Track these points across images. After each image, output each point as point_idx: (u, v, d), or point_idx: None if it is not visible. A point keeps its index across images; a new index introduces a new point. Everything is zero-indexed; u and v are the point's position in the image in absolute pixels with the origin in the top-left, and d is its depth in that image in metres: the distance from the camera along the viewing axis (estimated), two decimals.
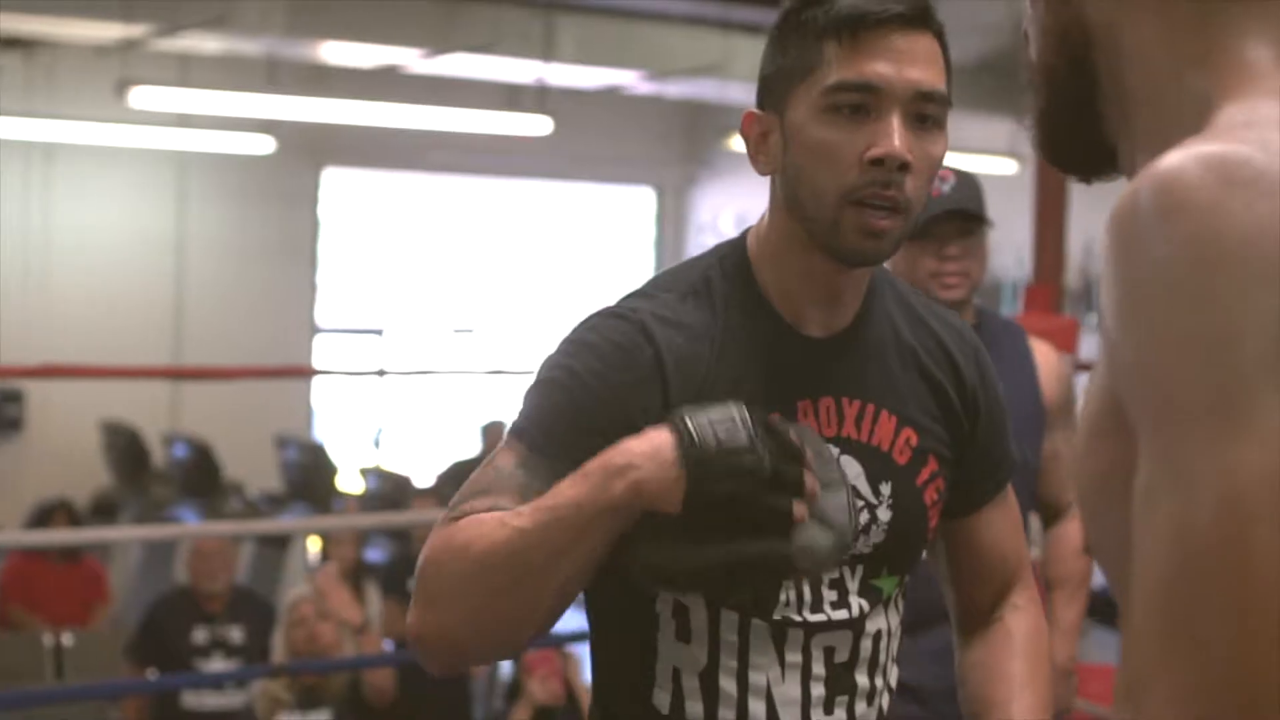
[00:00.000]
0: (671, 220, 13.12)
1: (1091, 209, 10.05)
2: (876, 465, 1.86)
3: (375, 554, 8.60)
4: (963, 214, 3.26)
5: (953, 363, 1.95)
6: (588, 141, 11.94)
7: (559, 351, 1.86)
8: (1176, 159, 1.00)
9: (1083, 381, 2.18)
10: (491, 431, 10.44)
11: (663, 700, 1.81)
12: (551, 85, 9.99)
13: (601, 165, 12.63)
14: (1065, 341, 5.50)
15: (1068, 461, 3.43)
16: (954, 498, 1.95)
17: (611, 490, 1.62)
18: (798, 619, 1.82)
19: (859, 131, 1.75)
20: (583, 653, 9.86)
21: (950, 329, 1.97)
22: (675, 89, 10.87)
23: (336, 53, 9.62)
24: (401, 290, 12.36)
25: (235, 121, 9.95)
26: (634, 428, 1.69)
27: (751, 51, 9.76)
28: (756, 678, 1.81)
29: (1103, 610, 6.25)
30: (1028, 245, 6.43)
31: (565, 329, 1.91)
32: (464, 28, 9.17)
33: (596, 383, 1.78)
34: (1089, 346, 8.98)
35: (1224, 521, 0.94)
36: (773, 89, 1.84)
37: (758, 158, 1.86)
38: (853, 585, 1.86)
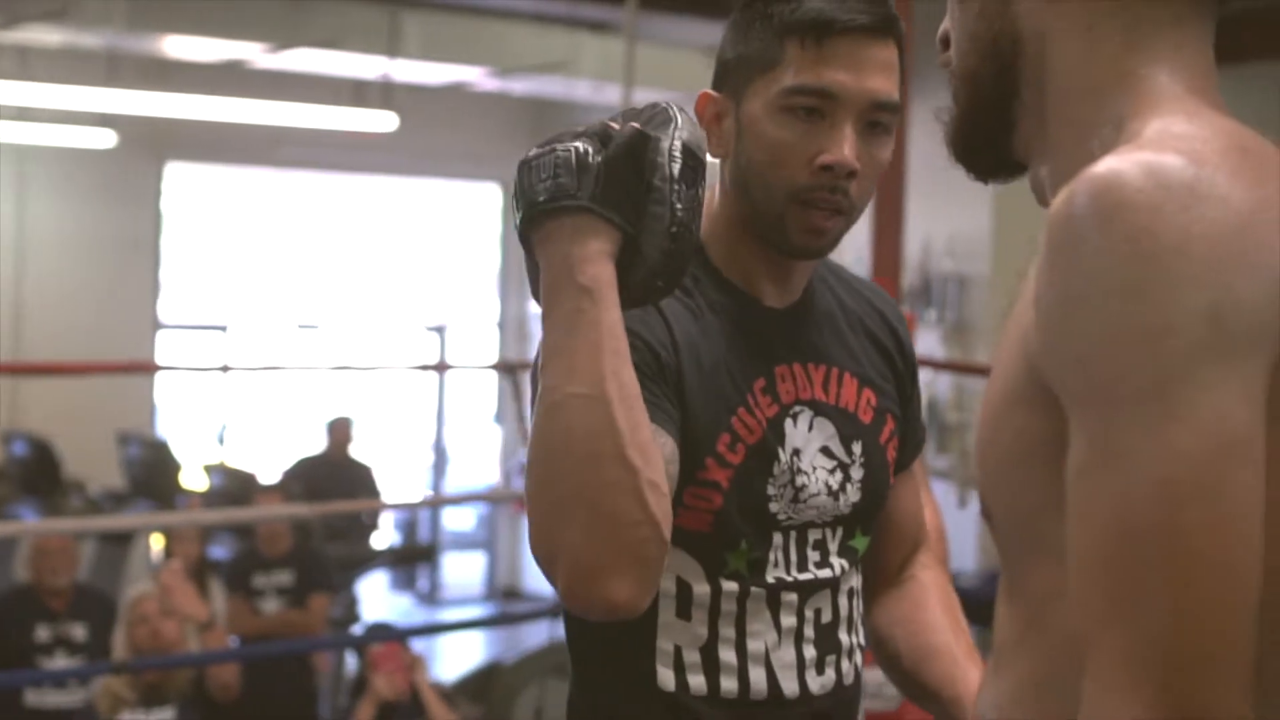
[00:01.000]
0: None
1: (929, 209, 10.23)
2: (847, 426, 1.93)
3: (219, 551, 8.58)
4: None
5: (891, 328, 2.03)
6: (434, 137, 11.94)
7: None
8: (1116, 164, 1.10)
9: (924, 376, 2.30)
10: (337, 427, 10.43)
11: (666, 679, 1.85)
12: (397, 81, 9.99)
13: (448, 161, 12.63)
14: None
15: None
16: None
17: (569, 290, 1.61)
18: (790, 579, 1.87)
19: (812, 134, 1.82)
20: (429, 653, 9.86)
21: (881, 298, 2.06)
22: (521, 86, 10.91)
23: (179, 47, 9.55)
24: (246, 286, 12.28)
25: (76, 115, 9.84)
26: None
27: (598, 49, 9.86)
28: (755, 645, 1.86)
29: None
30: (867, 244, 6.56)
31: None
32: (309, 23, 9.15)
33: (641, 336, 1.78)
34: (926, 343, 9.16)
35: (1160, 501, 1.05)
36: (731, 74, 1.89)
37: (710, 139, 1.88)
38: (833, 546, 1.92)
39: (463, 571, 13.14)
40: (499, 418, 13.31)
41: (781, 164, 1.82)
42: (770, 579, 1.87)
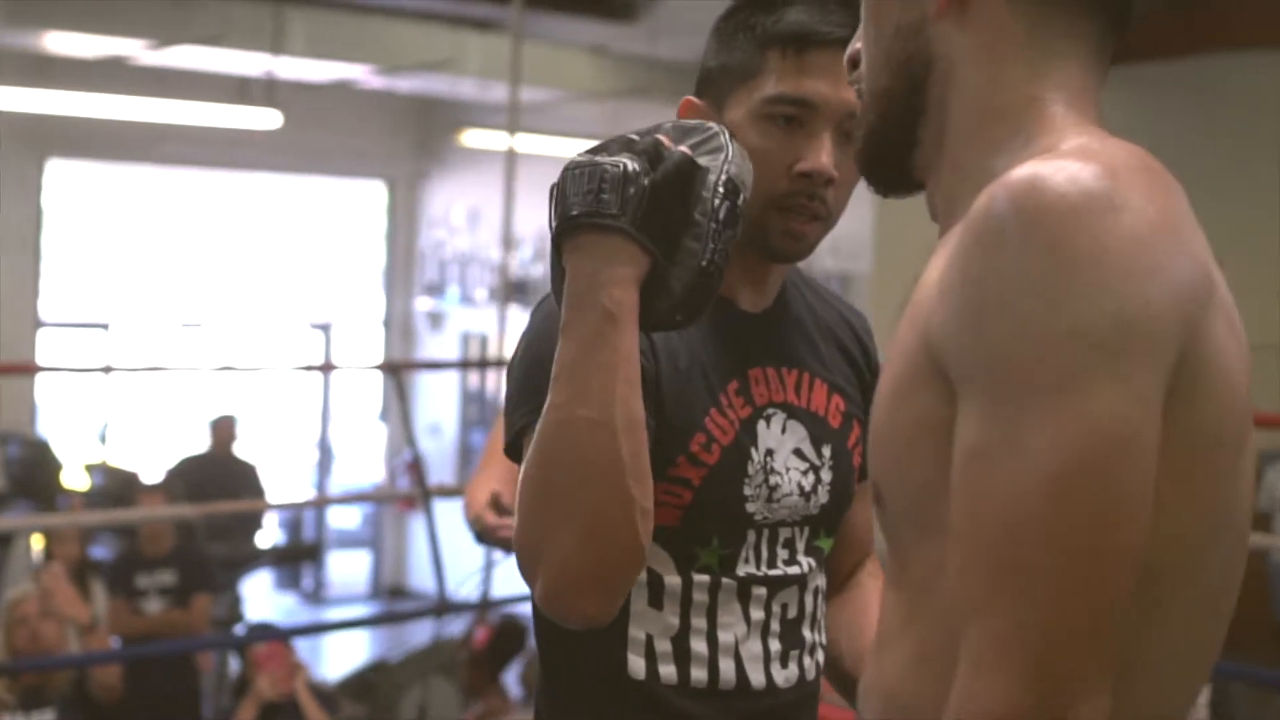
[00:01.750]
0: (403, 214, 13.14)
1: None
2: (817, 429, 1.98)
3: (101, 551, 8.51)
4: None
5: (860, 340, 2.08)
6: (319, 135, 11.90)
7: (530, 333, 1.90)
8: (1040, 169, 1.18)
9: None
10: (220, 426, 10.37)
11: (637, 667, 1.88)
12: (281, 78, 9.95)
13: (333, 159, 12.59)
14: None
15: None
16: None
17: (592, 310, 1.63)
18: (760, 574, 1.91)
19: (791, 142, 1.87)
20: (314, 652, 9.83)
21: (851, 310, 2.11)
22: (407, 84, 10.91)
23: (60, 43, 9.46)
24: (128, 283, 12.18)
25: None
26: None
27: (483, 47, 9.87)
28: (725, 636, 1.90)
29: None
30: None
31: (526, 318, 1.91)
32: (192, 20, 9.09)
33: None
34: None
35: (1048, 492, 1.12)
36: (713, 83, 1.93)
37: None
38: (801, 545, 1.96)
39: (348, 570, 13.11)
40: (384, 416, 13.29)
41: (761, 171, 1.83)
42: (741, 573, 1.91)
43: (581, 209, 1.65)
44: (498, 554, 4.09)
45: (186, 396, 12.03)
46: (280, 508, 12.13)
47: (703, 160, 1.67)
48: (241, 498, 9.76)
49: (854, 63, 1.45)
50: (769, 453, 1.93)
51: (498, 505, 3.62)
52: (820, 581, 2.01)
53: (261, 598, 11.77)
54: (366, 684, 8.05)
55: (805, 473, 1.96)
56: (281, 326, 12.85)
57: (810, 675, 1.98)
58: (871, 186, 1.50)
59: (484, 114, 11.20)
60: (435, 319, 12.93)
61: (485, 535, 3.69)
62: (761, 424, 1.93)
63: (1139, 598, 1.16)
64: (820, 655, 2.01)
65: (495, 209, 11.93)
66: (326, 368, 12.79)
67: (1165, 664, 1.24)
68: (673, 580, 1.89)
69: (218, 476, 9.83)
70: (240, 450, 10.44)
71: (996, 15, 1.33)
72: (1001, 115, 1.33)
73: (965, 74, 1.34)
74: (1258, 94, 12.16)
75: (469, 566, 7.70)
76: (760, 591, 1.92)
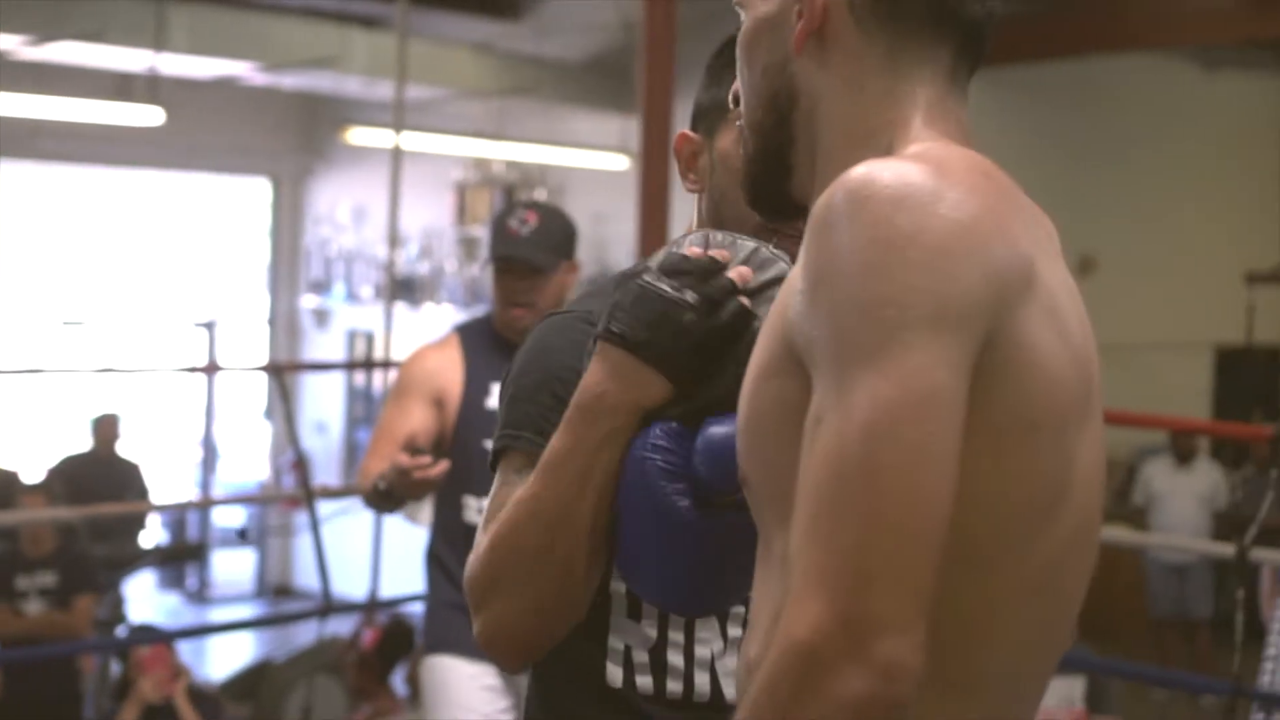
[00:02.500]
0: (288, 211, 13.09)
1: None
2: None
3: None
4: (527, 264, 4.02)
5: None
6: (202, 131, 11.83)
7: (519, 359, 2.00)
8: (872, 166, 1.32)
9: None
10: (103, 425, 10.28)
11: (615, 675, 1.94)
12: (164, 75, 9.88)
13: (217, 155, 12.52)
14: None
15: None
16: None
17: (595, 426, 1.74)
18: None
19: None
20: (198, 652, 9.75)
21: None
22: (291, 81, 10.87)
23: None
24: (6, 281, 12.04)
25: None
26: None
27: (367, 45, 9.86)
28: (702, 651, 1.96)
29: None
30: (634, 238, 6.68)
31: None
32: (73, 15, 9.01)
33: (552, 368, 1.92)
34: None
35: (863, 442, 1.23)
36: (704, 116, 2.05)
37: (687, 175, 2.06)
38: None
39: (233, 568, 13.05)
40: (269, 413, 13.24)
41: None
42: None
43: (629, 334, 1.73)
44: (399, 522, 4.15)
45: (68, 395, 11.92)
46: (163, 509, 12.04)
47: (761, 310, 1.73)
48: (125, 497, 9.70)
49: (735, 100, 1.59)
50: None
51: (411, 447, 3.81)
52: None
53: (145, 597, 11.68)
54: (250, 684, 8.04)
55: None
56: (165, 324, 12.76)
57: None
58: (759, 214, 1.63)
59: (369, 111, 11.19)
60: (321, 316, 12.89)
61: (398, 482, 3.82)
62: None
63: (961, 566, 1.29)
64: None
65: (380, 206, 11.92)
66: (211, 369, 12.70)
67: (1001, 638, 1.35)
68: None
69: (100, 476, 9.76)
70: (123, 449, 10.36)
71: (853, 48, 1.46)
72: (865, 139, 1.45)
73: (829, 104, 1.47)
74: (1135, 95, 12.38)
75: (355, 565, 7.72)
76: (739, 610, 1.98)
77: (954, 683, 1.33)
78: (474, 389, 4.17)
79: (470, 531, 3.93)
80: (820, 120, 1.48)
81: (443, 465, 3.82)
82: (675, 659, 1.95)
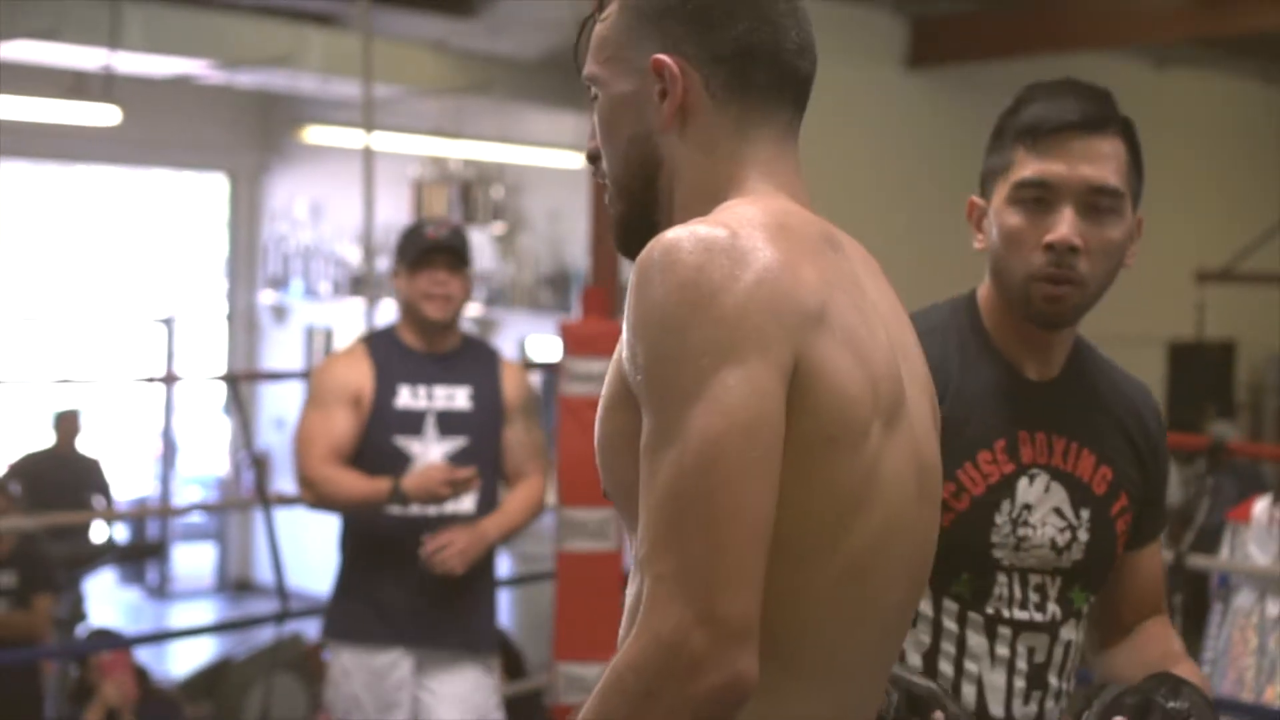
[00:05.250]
0: (245, 207, 13.09)
1: None
2: (1078, 493, 2.22)
3: None
4: (450, 251, 4.47)
5: (1140, 419, 2.33)
6: (159, 128, 11.82)
7: None
8: (679, 231, 1.56)
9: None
10: (64, 420, 10.28)
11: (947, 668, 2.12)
12: (120, 73, 9.88)
13: (173, 151, 12.51)
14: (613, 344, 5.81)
15: (525, 444, 4.62)
16: (1130, 533, 2.29)
17: None
18: (1006, 614, 2.16)
19: (1040, 220, 2.20)
20: (153, 655, 9.70)
21: (1138, 389, 2.38)
22: (247, 79, 10.87)
23: None
24: None
25: None
26: None
27: (323, 43, 9.87)
28: (970, 665, 2.15)
29: None
30: (584, 251, 6.72)
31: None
32: (27, 14, 9.01)
33: None
34: None
35: (701, 467, 1.47)
36: (985, 182, 2.29)
37: (976, 235, 2.31)
38: (1052, 592, 2.20)
39: (193, 563, 13.06)
40: (228, 409, 13.24)
41: (1018, 248, 2.21)
42: (989, 610, 2.17)
43: None
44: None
45: (27, 391, 11.90)
46: (123, 517, 12.03)
47: None
48: (85, 494, 9.71)
49: (593, 159, 1.79)
50: (1026, 507, 2.19)
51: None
52: (1074, 635, 2.23)
53: (105, 593, 11.69)
54: (210, 683, 8.06)
55: (1061, 530, 2.20)
56: (123, 321, 12.75)
57: (1051, 718, 2.20)
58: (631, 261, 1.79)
59: (325, 109, 11.20)
60: (279, 312, 12.90)
61: (427, 493, 4.46)
62: (1024, 481, 2.20)
63: (774, 561, 1.51)
64: (1064, 702, 2.22)
65: (337, 203, 11.95)
66: (169, 379, 12.70)
67: (813, 621, 1.58)
68: (925, 605, 2.15)
69: (60, 473, 9.77)
70: (83, 445, 10.36)
71: (708, 119, 1.70)
72: (712, 195, 1.69)
73: (687, 169, 1.71)
74: None
75: (315, 557, 7.75)
76: (1005, 631, 2.17)
77: (773, 658, 1.54)
78: (384, 391, 4.54)
79: (384, 522, 4.44)
80: (679, 182, 1.71)
81: (472, 474, 4.41)
82: (945, 667, 2.16)
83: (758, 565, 1.47)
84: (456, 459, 4.55)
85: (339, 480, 4.43)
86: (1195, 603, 5.55)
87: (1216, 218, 13.49)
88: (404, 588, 4.52)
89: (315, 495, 4.47)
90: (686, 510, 1.47)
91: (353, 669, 4.58)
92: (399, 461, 4.51)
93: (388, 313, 11.48)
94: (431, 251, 4.50)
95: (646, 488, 1.51)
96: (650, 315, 1.52)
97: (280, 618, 6.25)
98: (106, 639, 7.09)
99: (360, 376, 4.55)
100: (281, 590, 6.17)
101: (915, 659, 2.13)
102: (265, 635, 8.65)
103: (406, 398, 4.56)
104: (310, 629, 8.19)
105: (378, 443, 4.53)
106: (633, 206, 1.74)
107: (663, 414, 1.50)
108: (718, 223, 1.57)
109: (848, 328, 1.59)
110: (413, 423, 4.55)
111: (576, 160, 10.31)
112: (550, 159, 10.69)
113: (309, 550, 7.50)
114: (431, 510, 4.50)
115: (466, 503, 4.55)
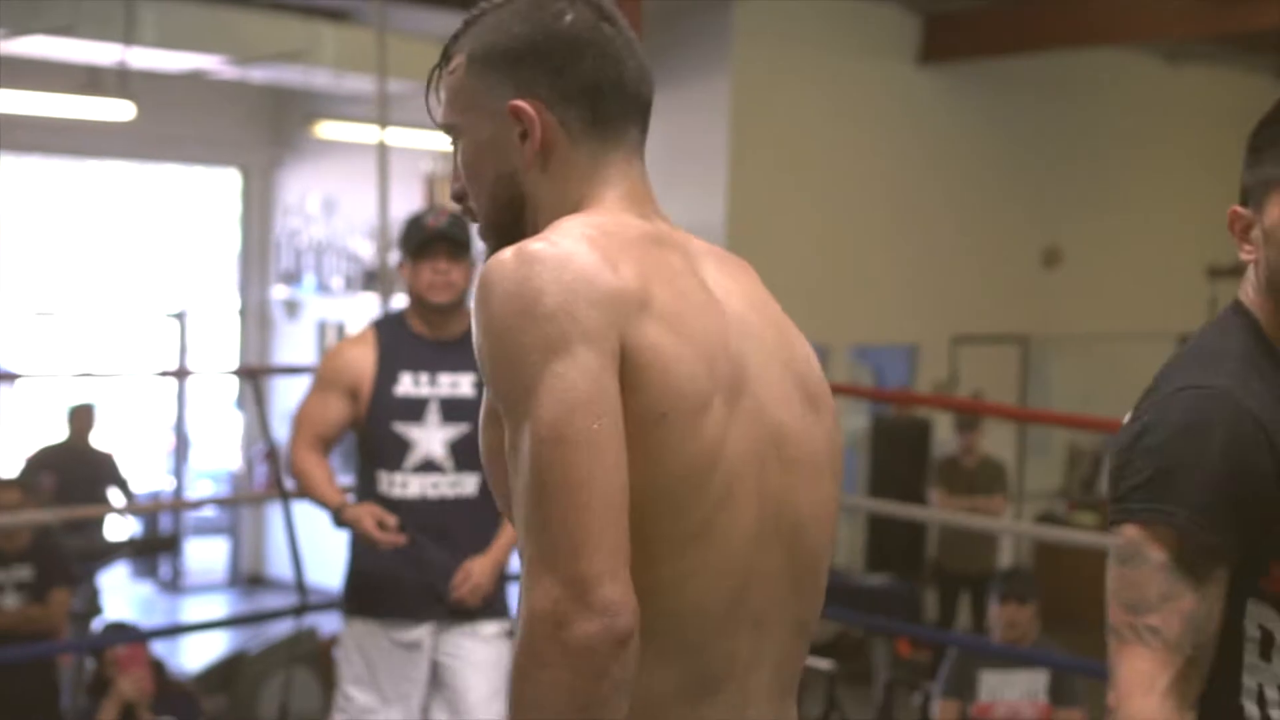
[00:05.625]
0: (258, 202, 13.12)
1: (664, 199, 10.38)
2: None
3: None
4: (449, 240, 4.58)
5: None
6: (173, 123, 11.84)
7: (1161, 435, 2.07)
8: (505, 251, 1.74)
9: None
10: (78, 414, 10.29)
11: (1252, 712, 2.06)
12: (134, 68, 9.91)
13: (187, 146, 12.54)
14: None
15: None
16: None
17: None
18: None
19: None
20: (167, 648, 9.72)
21: None
22: (260, 74, 10.90)
23: None
24: None
25: None
26: (1255, 493, 1.98)
27: (336, 38, 9.89)
28: None
29: None
30: None
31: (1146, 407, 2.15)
32: (43, 10, 9.04)
33: (1227, 458, 2.00)
34: None
35: (549, 450, 1.64)
36: (1252, 192, 2.19)
37: (1242, 246, 2.20)
38: None
39: (206, 557, 13.08)
40: (240, 404, 13.27)
41: None
42: None
43: None
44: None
45: (42, 384, 11.93)
46: (137, 511, 12.06)
47: None
48: (100, 488, 9.73)
49: (459, 198, 1.95)
50: None
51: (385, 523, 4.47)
52: None
53: (119, 588, 11.73)
54: (225, 676, 8.09)
55: None
56: (137, 315, 12.79)
57: None
58: None
59: (338, 104, 11.23)
60: (291, 307, 12.93)
61: (357, 530, 4.54)
62: None
63: (645, 528, 1.69)
64: None
65: (350, 198, 11.97)
66: (182, 374, 12.72)
67: (668, 576, 1.73)
68: None
69: (75, 467, 9.79)
70: (97, 439, 10.38)
71: (566, 155, 1.87)
72: (567, 216, 1.85)
73: (547, 200, 1.88)
74: (1099, 89, 12.46)
75: (328, 552, 7.77)
76: None
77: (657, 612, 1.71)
78: (384, 377, 4.66)
79: (383, 503, 4.56)
80: (541, 214, 1.88)
81: (401, 539, 4.46)
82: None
83: (612, 525, 1.63)
84: (458, 445, 4.64)
85: (309, 474, 4.60)
86: None
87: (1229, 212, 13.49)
88: (412, 563, 4.61)
89: (293, 479, 4.74)
90: (542, 494, 1.64)
91: (368, 641, 4.67)
92: (400, 447, 4.63)
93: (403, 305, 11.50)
94: (432, 240, 4.61)
95: (513, 486, 1.69)
96: (488, 328, 1.70)
97: (299, 611, 6.28)
98: (123, 633, 7.10)
99: (364, 363, 4.68)
100: (300, 584, 6.20)
101: (1273, 693, 2.07)
102: (278, 629, 8.68)
103: (408, 385, 4.66)
104: (326, 623, 8.23)
105: (379, 429, 4.65)
106: (503, 240, 1.87)
107: (512, 415, 1.69)
108: (541, 238, 1.76)
109: (672, 314, 1.75)
110: (414, 409, 4.64)
111: None
112: None
113: (323, 544, 7.52)
114: (431, 492, 4.62)
115: (470, 486, 4.64)
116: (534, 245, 1.73)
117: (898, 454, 10.97)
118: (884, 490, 10.54)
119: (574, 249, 1.73)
